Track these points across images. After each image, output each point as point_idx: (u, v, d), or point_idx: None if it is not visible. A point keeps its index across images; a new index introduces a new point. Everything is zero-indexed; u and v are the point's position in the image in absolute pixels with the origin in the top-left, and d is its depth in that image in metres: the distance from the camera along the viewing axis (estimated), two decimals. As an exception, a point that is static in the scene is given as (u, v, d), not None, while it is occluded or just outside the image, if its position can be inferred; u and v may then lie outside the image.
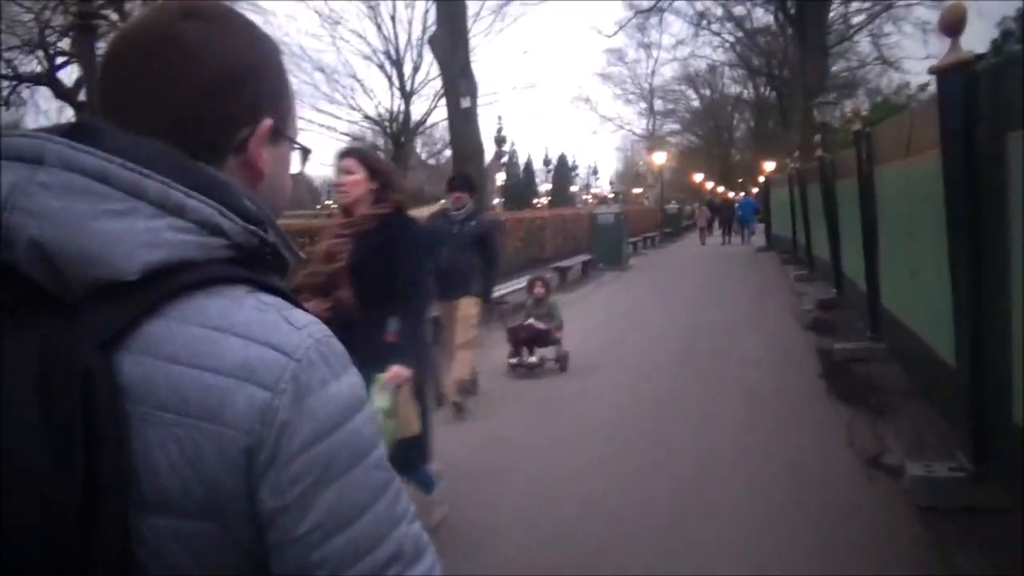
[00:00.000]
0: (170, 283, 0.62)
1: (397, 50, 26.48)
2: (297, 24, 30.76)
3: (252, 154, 0.74)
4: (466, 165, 13.19)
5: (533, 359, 7.25)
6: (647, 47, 49.29)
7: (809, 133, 18.54)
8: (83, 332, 0.59)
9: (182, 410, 0.60)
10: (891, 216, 6.24)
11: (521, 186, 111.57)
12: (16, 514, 0.55)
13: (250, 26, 0.76)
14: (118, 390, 0.59)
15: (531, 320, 7.36)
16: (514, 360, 7.26)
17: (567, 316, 7.75)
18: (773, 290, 12.90)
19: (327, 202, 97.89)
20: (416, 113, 26.26)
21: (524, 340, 7.23)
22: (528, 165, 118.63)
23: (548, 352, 7.32)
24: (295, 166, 0.82)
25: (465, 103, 12.63)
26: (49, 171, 0.61)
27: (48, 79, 20.00)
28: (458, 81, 12.76)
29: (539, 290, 7.62)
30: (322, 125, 18.81)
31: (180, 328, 0.62)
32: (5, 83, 20.24)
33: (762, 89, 43.69)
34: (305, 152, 0.83)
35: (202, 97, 0.70)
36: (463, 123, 13.05)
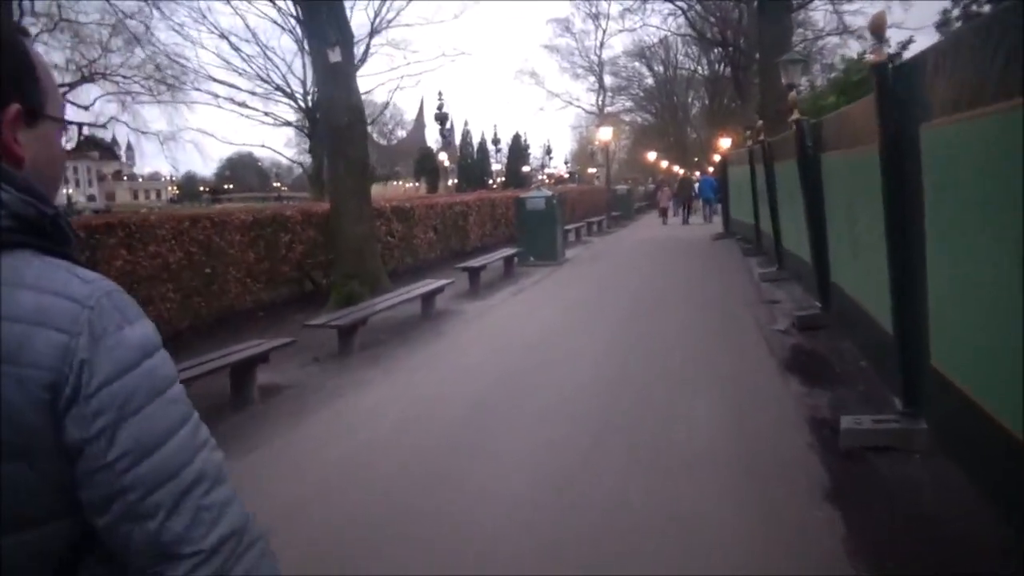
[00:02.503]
0: None
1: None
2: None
3: (6, 140, 0.78)
4: (341, 137, 10.21)
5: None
6: (595, 17, 46.53)
7: (770, 99, 15.86)
8: None
9: None
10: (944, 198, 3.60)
11: (475, 166, 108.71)
12: None
13: None
14: None
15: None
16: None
17: (443, 346, 4.85)
18: (735, 296, 10.17)
19: (275, 184, 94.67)
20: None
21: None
22: (482, 145, 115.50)
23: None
24: (66, 142, 0.91)
25: (334, 56, 9.60)
26: None
27: None
28: (324, 27, 9.71)
29: None
30: (231, 100, 15.36)
31: None
32: None
33: (716, 65, 41.47)
34: (65, 126, 0.88)
35: None
36: (332, 83, 10.00)
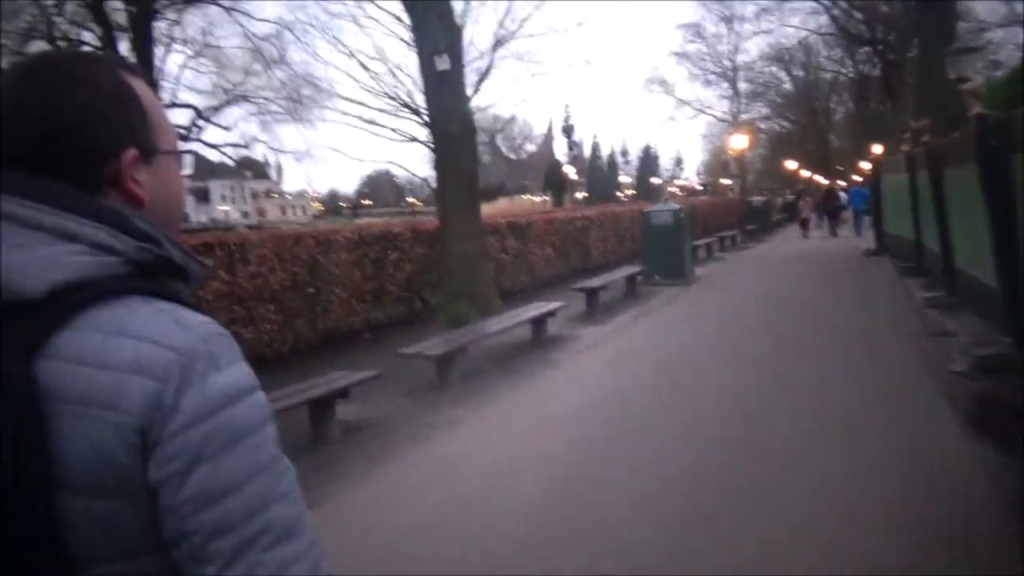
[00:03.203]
0: (74, 299, 0.74)
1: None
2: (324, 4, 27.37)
3: (125, 184, 0.83)
4: (449, 147, 9.66)
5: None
6: (728, 20, 44.54)
7: (930, 98, 14.02)
8: (6, 344, 0.71)
9: (86, 402, 0.71)
10: None
11: (603, 179, 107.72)
12: None
13: (88, 71, 0.84)
14: (36, 389, 0.70)
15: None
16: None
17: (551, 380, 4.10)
18: (894, 325, 8.73)
19: (409, 199, 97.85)
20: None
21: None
22: (611, 157, 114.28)
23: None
24: (184, 168, 0.93)
25: (442, 64, 9.06)
26: None
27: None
28: (433, 34, 9.20)
29: None
30: (359, 117, 15.11)
31: (84, 336, 0.73)
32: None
33: (862, 66, 38.49)
34: (186, 156, 0.94)
35: (49, 149, 0.79)
36: (440, 91, 9.45)
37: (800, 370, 6.75)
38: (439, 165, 9.75)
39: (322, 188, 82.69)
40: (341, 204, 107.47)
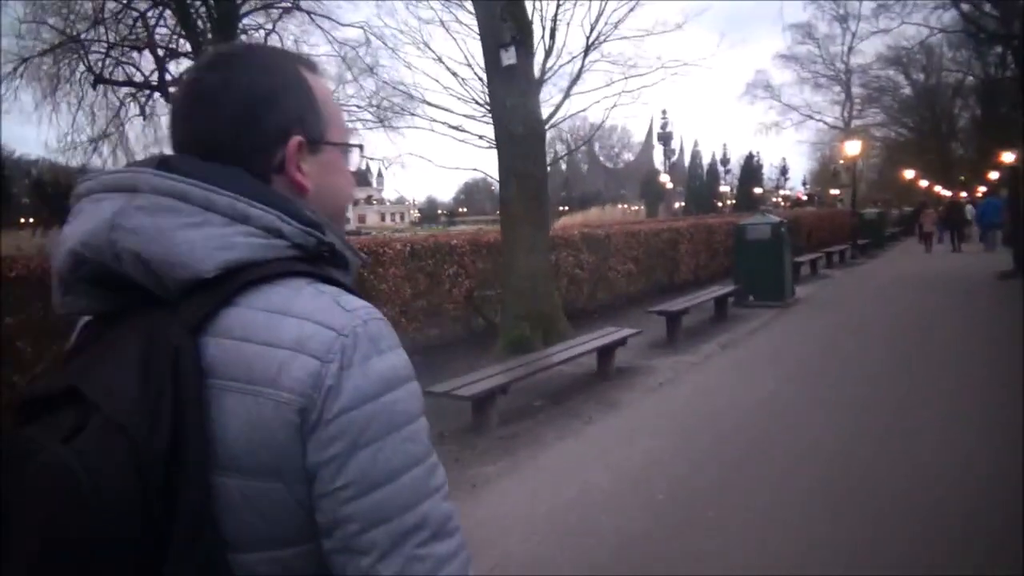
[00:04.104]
0: (242, 278, 0.76)
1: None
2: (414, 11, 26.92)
3: (290, 172, 0.86)
4: (514, 151, 8.60)
5: None
6: (842, 19, 41.82)
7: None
8: (176, 320, 0.73)
9: (248, 379, 0.72)
10: None
11: (703, 188, 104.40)
12: (115, 463, 0.66)
13: (266, 61, 0.88)
14: (201, 365, 0.72)
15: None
16: None
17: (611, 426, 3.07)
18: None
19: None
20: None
21: None
22: (712, 166, 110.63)
23: None
24: (352, 164, 0.94)
25: (508, 58, 8.02)
26: (142, 196, 0.77)
27: (161, 84, 18.07)
28: (497, 25, 8.17)
29: None
30: (446, 124, 14.09)
31: (249, 314, 0.75)
32: (123, 90, 18.62)
33: (994, 68, 35.18)
34: (354, 149, 0.94)
35: (223, 133, 0.83)
36: (506, 88, 8.37)
37: (923, 424, 5.32)
38: (503, 169, 8.70)
39: (420, 196, 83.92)
40: (439, 212, 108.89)
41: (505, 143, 8.71)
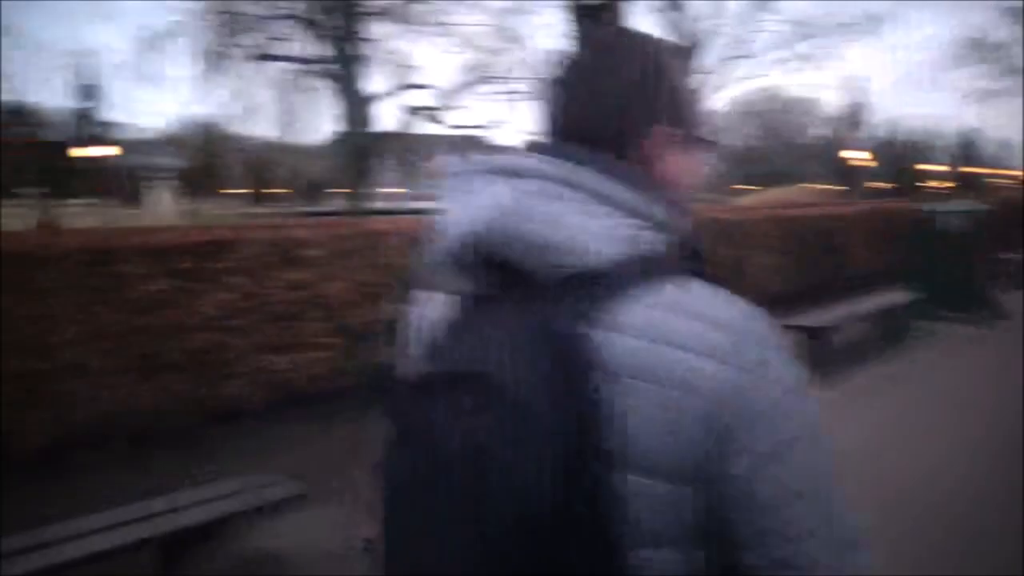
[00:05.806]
0: (633, 272, 0.73)
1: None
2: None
3: (655, 164, 0.84)
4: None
5: None
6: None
7: None
8: (571, 310, 0.71)
9: (657, 380, 0.69)
10: None
11: (902, 166, 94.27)
12: (528, 447, 0.67)
13: (640, 47, 0.86)
14: (602, 358, 0.69)
15: None
16: None
17: None
18: None
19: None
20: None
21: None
22: (914, 142, 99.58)
23: None
24: (710, 160, 0.93)
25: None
26: (531, 182, 0.77)
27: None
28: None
29: None
30: None
31: (645, 311, 0.72)
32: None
33: None
34: (713, 146, 0.92)
35: (598, 119, 0.82)
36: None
37: None
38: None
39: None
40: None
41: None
